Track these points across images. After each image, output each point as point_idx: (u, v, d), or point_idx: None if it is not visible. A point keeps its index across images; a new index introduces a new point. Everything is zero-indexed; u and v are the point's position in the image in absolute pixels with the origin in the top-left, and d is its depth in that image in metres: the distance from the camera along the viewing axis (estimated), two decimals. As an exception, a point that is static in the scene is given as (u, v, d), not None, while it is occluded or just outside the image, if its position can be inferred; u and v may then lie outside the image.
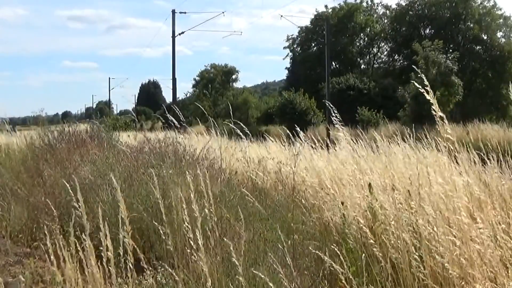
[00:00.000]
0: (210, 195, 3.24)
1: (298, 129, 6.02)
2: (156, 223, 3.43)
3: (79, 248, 2.72)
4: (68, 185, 3.18)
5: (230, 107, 8.47)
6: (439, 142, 4.68)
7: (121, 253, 2.74)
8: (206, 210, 3.12)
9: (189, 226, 2.79)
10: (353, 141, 5.29)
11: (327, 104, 5.63)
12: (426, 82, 3.13)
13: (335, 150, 6.12)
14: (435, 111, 3.08)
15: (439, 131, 3.29)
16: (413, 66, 7.09)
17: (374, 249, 3.07)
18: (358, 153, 5.01)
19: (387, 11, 46.64)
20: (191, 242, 2.73)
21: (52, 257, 2.64)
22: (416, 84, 3.47)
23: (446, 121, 3.18)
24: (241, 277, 2.56)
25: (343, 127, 4.70)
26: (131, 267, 2.81)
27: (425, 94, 3.08)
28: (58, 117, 62.29)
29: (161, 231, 3.16)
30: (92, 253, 2.65)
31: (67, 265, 2.63)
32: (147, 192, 4.62)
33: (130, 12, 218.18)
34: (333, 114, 4.51)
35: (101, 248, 2.67)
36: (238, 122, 6.07)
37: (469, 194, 3.23)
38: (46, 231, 2.82)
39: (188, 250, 2.89)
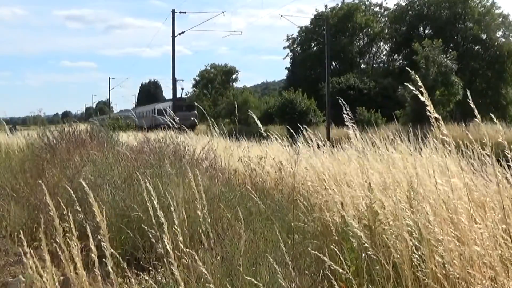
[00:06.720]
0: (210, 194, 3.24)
1: (301, 128, 5.99)
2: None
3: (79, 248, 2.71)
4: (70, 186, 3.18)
5: (236, 106, 8.41)
6: (438, 142, 4.67)
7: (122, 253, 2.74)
8: (205, 210, 3.12)
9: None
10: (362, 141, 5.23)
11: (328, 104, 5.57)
12: (420, 84, 3.09)
13: (333, 150, 6.09)
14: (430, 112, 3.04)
15: (438, 131, 3.28)
16: (412, 65, 7.07)
17: (375, 249, 3.07)
18: (362, 153, 4.95)
19: (382, 10, 46.80)
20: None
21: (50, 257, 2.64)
22: (410, 86, 3.47)
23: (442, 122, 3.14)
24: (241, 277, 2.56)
25: (352, 126, 4.53)
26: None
27: (420, 95, 3.03)
28: (58, 117, 62.35)
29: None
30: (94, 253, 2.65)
31: (68, 265, 2.63)
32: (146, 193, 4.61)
33: (127, 12, 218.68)
34: (345, 112, 4.39)
35: (102, 248, 2.66)
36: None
37: (469, 194, 3.22)
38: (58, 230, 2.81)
39: (187, 250, 2.89)
